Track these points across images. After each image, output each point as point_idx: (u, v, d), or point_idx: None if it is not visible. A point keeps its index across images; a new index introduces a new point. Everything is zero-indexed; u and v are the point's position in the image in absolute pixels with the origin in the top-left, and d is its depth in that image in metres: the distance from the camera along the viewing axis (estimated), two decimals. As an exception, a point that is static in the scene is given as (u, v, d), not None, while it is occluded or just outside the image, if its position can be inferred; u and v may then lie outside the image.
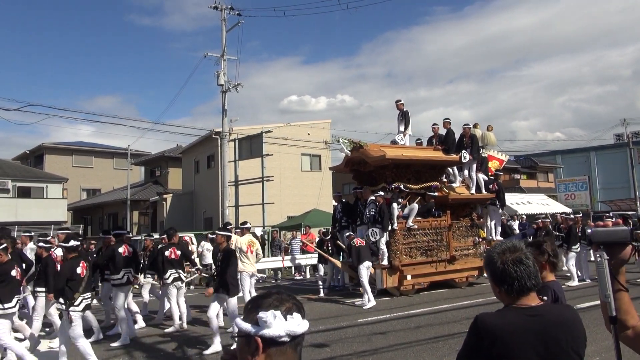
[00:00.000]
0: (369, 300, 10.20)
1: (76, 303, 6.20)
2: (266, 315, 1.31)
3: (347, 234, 11.82)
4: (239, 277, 9.92)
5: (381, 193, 11.47)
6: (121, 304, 8.12)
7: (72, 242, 6.48)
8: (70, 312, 6.16)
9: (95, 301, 12.12)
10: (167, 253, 8.99)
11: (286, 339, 1.32)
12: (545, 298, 2.64)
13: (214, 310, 7.40)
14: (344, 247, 11.84)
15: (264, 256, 16.97)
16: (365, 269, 10.50)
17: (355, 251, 10.69)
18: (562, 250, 13.64)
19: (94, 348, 7.61)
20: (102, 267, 8.76)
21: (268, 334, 1.30)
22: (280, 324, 1.31)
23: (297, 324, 1.34)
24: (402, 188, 11.75)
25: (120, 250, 8.41)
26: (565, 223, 13.34)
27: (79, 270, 6.28)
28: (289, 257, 16.81)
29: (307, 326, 1.38)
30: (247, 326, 1.34)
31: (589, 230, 1.81)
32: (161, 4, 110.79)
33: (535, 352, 1.75)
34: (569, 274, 13.36)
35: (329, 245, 12.85)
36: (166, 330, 8.83)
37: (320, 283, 12.51)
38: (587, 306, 9.18)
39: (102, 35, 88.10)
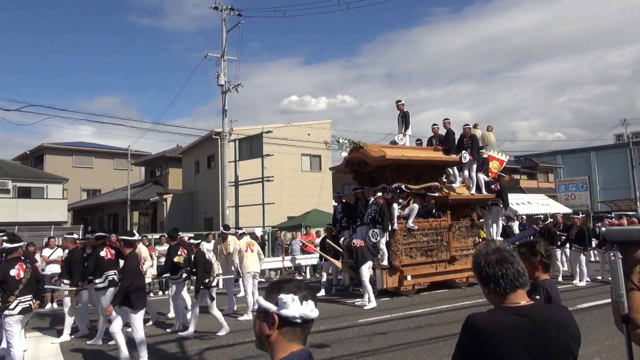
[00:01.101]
0: (370, 301, 10.20)
1: (11, 307, 5.89)
2: (286, 297, 1.52)
3: (342, 238, 11.85)
4: (239, 277, 9.99)
5: (379, 194, 11.47)
6: (105, 306, 7.88)
7: (5, 245, 6.17)
8: (5, 316, 5.88)
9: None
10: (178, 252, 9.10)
11: (299, 320, 1.52)
12: (537, 297, 2.65)
13: (118, 325, 6.63)
14: (340, 247, 11.87)
15: (265, 256, 17.02)
16: (366, 270, 10.50)
17: (356, 252, 10.69)
18: (562, 250, 13.64)
19: (94, 347, 7.64)
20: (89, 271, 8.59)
21: (285, 313, 1.51)
22: (296, 307, 1.52)
23: (310, 309, 1.54)
24: (403, 188, 11.74)
25: (102, 253, 8.16)
26: (573, 223, 13.30)
27: (13, 272, 5.95)
28: (289, 257, 16.81)
29: (317, 313, 1.57)
30: (268, 304, 1.54)
31: (603, 229, 1.82)
32: (161, 4, 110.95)
33: (525, 351, 1.76)
34: (569, 274, 13.36)
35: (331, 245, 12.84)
36: (167, 330, 8.85)
37: (324, 282, 12.61)
38: (587, 306, 9.18)
39: (102, 36, 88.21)
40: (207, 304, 8.40)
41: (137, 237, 7.03)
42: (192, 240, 8.94)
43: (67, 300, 8.38)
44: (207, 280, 8.34)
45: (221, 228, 11.38)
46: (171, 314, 9.73)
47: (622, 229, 1.79)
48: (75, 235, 9.34)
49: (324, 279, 12.75)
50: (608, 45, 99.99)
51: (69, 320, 8.33)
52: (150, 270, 9.68)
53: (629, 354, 1.76)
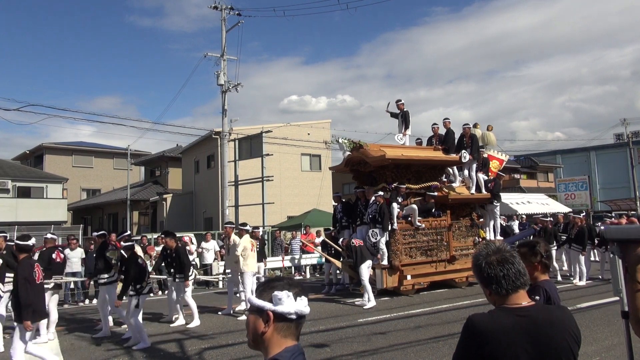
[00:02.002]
0: (369, 300, 10.20)
1: None
2: (281, 294, 1.56)
3: (342, 238, 11.85)
4: (240, 276, 9.98)
5: (380, 193, 11.46)
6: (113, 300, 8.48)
7: None
8: None
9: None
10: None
11: (294, 316, 1.57)
12: (537, 298, 2.65)
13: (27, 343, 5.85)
14: (339, 247, 11.88)
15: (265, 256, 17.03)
16: (366, 269, 10.50)
17: (355, 251, 10.69)
18: (564, 250, 13.63)
19: (94, 347, 7.64)
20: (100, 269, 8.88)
21: (280, 310, 1.55)
22: (291, 303, 1.56)
23: (304, 305, 1.60)
24: (398, 185, 11.70)
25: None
26: (574, 222, 13.28)
27: None
28: (289, 257, 16.80)
29: (309, 310, 1.62)
30: (261, 302, 1.57)
31: (602, 228, 1.83)
32: (161, 5, 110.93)
33: (526, 352, 1.76)
34: (569, 274, 13.35)
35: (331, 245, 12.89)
36: (171, 325, 8.98)
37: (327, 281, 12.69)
38: (587, 306, 9.18)
39: (102, 37, 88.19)
40: (129, 309, 7.84)
41: (32, 241, 6.26)
42: (123, 243, 8.57)
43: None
44: (138, 286, 7.92)
45: (222, 225, 11.43)
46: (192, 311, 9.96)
47: (621, 227, 1.81)
48: (51, 236, 9.35)
49: (327, 280, 12.84)
50: (607, 46, 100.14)
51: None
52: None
53: (629, 350, 1.77)
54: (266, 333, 1.56)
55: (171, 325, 8.99)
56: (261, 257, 12.68)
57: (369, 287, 10.38)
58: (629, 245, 1.79)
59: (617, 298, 1.81)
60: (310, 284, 14.53)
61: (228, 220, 12.86)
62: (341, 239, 11.87)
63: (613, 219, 1.94)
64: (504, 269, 1.87)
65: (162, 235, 10.18)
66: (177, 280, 9.14)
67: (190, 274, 9.15)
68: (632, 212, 29.27)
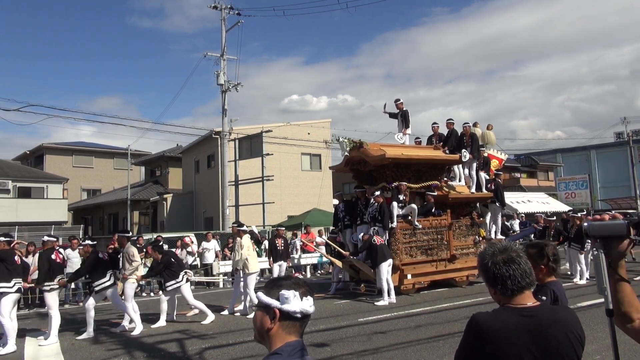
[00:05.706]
0: (390, 297, 10.32)
1: None
2: (287, 293, 1.61)
3: (361, 234, 11.60)
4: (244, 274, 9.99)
5: (377, 193, 11.43)
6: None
7: None
8: None
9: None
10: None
11: (299, 315, 1.62)
12: (544, 298, 2.63)
13: None
14: (340, 248, 11.87)
15: (264, 256, 17.01)
16: (386, 267, 10.48)
17: (375, 249, 10.58)
18: (564, 248, 13.62)
19: (94, 347, 7.64)
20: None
21: (286, 308, 1.60)
22: (297, 303, 1.61)
23: (309, 305, 1.65)
24: (400, 184, 11.68)
25: (100, 255, 8.93)
26: (573, 221, 13.24)
27: None
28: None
29: (314, 309, 1.68)
30: (270, 300, 1.63)
31: (585, 224, 1.83)
32: (162, 6, 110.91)
33: (528, 351, 1.75)
34: (569, 273, 13.35)
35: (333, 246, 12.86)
36: (152, 326, 8.98)
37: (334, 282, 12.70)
38: (587, 305, 9.17)
39: (103, 37, 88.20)
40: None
41: None
42: (46, 237, 8.95)
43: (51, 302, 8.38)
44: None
45: (223, 224, 11.44)
46: (192, 312, 10.05)
47: (603, 224, 1.80)
48: (48, 238, 9.18)
49: (336, 278, 12.87)
50: (606, 45, 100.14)
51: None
52: (141, 269, 9.67)
53: (614, 347, 1.76)
54: (272, 329, 1.62)
55: (152, 326, 8.98)
56: (285, 256, 12.82)
57: (386, 285, 10.40)
58: (611, 242, 1.78)
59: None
60: (311, 284, 14.53)
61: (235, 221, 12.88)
62: (361, 234, 11.58)
63: (596, 215, 1.92)
64: (510, 269, 1.85)
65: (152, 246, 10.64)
66: (167, 288, 9.34)
67: (179, 279, 9.27)
68: (632, 211, 29.28)
